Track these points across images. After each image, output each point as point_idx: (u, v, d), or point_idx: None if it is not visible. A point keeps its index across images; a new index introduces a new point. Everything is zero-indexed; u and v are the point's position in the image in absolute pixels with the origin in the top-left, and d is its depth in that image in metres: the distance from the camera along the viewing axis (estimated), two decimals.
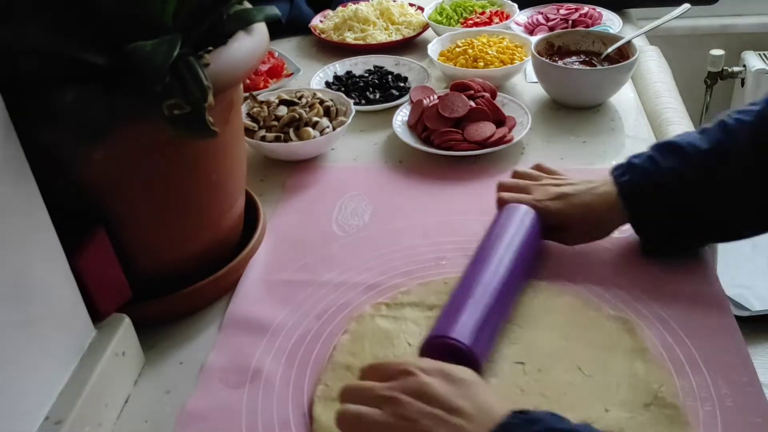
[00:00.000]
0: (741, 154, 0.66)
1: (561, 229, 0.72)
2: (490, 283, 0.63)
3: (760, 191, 0.66)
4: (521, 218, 0.71)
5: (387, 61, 1.15)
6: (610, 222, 0.71)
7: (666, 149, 0.69)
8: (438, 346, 0.58)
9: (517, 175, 0.78)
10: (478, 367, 0.57)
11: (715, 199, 0.67)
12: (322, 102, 0.95)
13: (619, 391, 0.58)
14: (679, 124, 0.96)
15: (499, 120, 0.94)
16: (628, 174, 0.70)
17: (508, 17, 1.27)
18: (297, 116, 0.92)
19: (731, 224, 0.69)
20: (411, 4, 1.35)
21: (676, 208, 0.68)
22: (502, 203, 0.74)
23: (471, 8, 1.32)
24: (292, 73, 1.14)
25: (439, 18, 1.28)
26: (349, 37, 1.24)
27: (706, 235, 0.71)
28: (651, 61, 1.16)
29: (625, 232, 0.77)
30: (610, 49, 1.03)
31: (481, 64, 1.06)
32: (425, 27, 1.28)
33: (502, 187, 0.76)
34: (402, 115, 0.98)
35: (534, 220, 0.71)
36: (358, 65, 1.15)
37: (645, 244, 0.72)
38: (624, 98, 1.04)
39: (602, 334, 0.64)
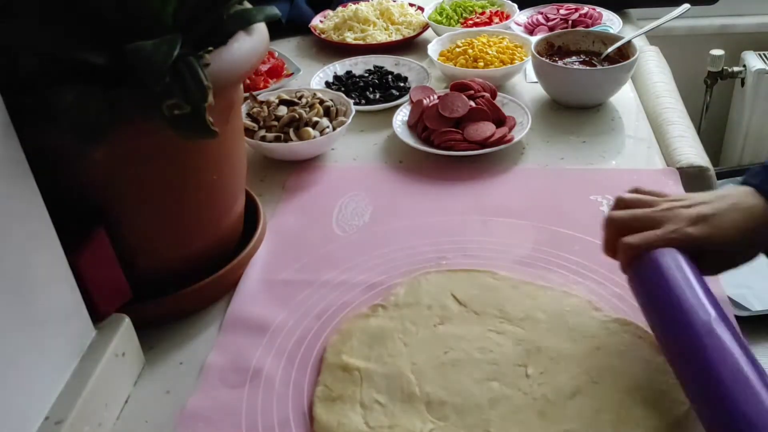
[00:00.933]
0: None
1: (702, 258, 0.60)
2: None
3: None
4: (678, 267, 0.58)
5: (387, 61, 1.15)
6: (764, 240, 0.61)
7: None
8: None
9: (622, 203, 0.65)
10: None
11: None
12: (322, 102, 0.95)
13: (632, 404, 0.57)
14: (679, 124, 0.96)
15: (499, 120, 0.94)
16: (757, 173, 0.61)
17: (508, 17, 1.27)
18: (297, 116, 0.92)
19: None
20: (411, 4, 1.35)
21: None
22: (631, 252, 0.60)
23: (471, 8, 1.32)
24: (292, 73, 1.14)
25: (439, 18, 1.29)
26: (349, 37, 1.24)
27: None
28: (651, 61, 1.16)
29: None
30: (610, 49, 1.03)
31: (481, 64, 1.06)
32: (425, 27, 1.28)
33: (615, 226, 0.63)
34: (402, 115, 0.98)
35: (688, 261, 0.59)
36: (358, 65, 1.15)
37: None
38: (624, 98, 1.04)
39: (614, 340, 0.63)
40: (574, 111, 1.02)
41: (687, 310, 0.54)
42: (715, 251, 0.60)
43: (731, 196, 0.61)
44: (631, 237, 0.60)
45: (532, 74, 1.07)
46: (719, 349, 0.50)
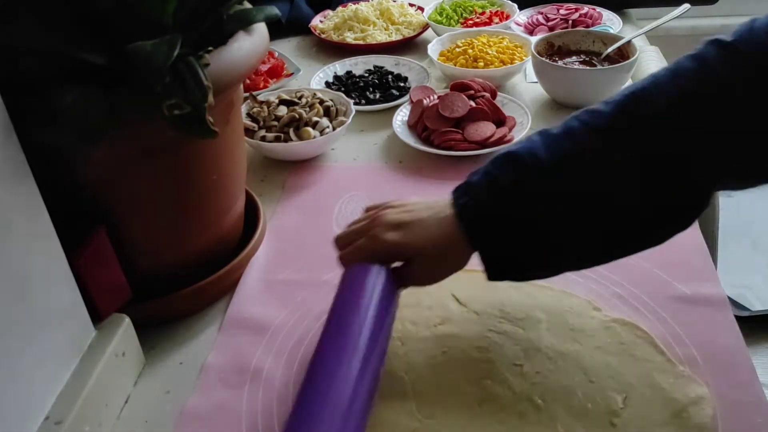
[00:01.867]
0: (590, 162, 0.55)
1: (411, 265, 0.59)
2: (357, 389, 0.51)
3: (604, 212, 0.55)
4: (356, 284, 0.58)
5: (387, 61, 1.15)
6: (458, 251, 0.58)
7: (502, 160, 0.57)
8: None
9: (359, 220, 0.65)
10: None
11: (558, 216, 0.55)
12: (322, 102, 0.95)
13: (629, 404, 0.57)
14: None
15: (499, 120, 0.94)
16: (465, 196, 0.58)
17: (508, 17, 1.27)
18: (297, 116, 0.92)
19: (573, 248, 0.57)
20: (411, 4, 1.35)
21: (516, 226, 0.56)
22: (344, 266, 0.61)
23: (471, 8, 1.32)
24: (292, 73, 1.14)
25: (439, 18, 1.29)
26: (349, 37, 1.24)
27: (550, 260, 0.58)
28: (651, 61, 1.16)
29: None
30: (610, 49, 1.03)
31: (481, 64, 1.06)
32: (425, 27, 1.28)
33: (339, 245, 0.63)
34: (402, 115, 0.98)
35: (384, 285, 0.58)
36: (358, 65, 1.15)
37: (489, 271, 0.58)
38: None
39: (613, 340, 0.63)
40: (574, 111, 1.02)
41: (334, 330, 0.54)
42: (421, 260, 0.59)
43: (438, 205, 0.60)
44: (344, 252, 0.62)
45: (532, 74, 1.07)
46: (332, 376, 0.50)
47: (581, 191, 0.55)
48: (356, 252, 0.61)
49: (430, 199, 0.62)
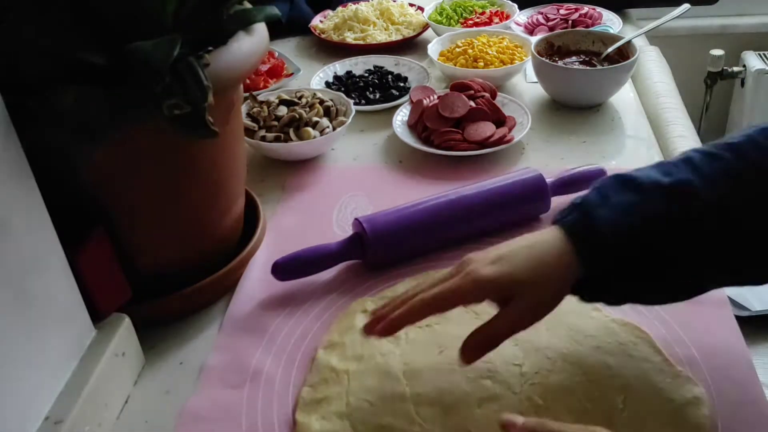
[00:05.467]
0: (714, 189, 0.54)
1: (507, 302, 0.55)
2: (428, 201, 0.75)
3: (732, 236, 0.54)
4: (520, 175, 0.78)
5: (387, 61, 1.15)
6: (562, 275, 0.55)
7: (619, 183, 0.56)
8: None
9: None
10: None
11: (681, 239, 0.54)
12: (322, 102, 0.95)
13: (628, 404, 0.57)
14: (679, 124, 0.96)
15: (499, 120, 0.94)
16: (575, 212, 0.56)
17: (508, 17, 1.27)
18: (297, 116, 0.92)
19: (700, 272, 0.56)
20: (411, 4, 1.35)
21: (631, 242, 0.54)
22: (424, 307, 0.56)
23: (471, 8, 1.32)
24: (292, 73, 1.14)
25: (439, 18, 1.28)
26: (349, 37, 1.24)
27: (668, 285, 0.57)
28: (651, 61, 1.16)
29: None
30: (610, 49, 1.03)
31: (481, 64, 1.06)
32: (425, 27, 1.27)
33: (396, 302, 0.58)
34: (402, 115, 0.98)
35: (535, 180, 0.77)
36: (358, 65, 1.15)
37: (587, 291, 0.57)
38: (624, 98, 1.04)
39: (613, 340, 0.63)
40: (574, 111, 1.02)
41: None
42: (522, 294, 0.55)
43: (532, 235, 0.58)
44: (425, 292, 0.56)
45: (532, 74, 1.07)
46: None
47: (700, 213, 0.53)
48: (445, 295, 0.55)
49: (515, 239, 0.59)
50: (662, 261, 0.54)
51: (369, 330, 0.57)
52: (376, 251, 0.72)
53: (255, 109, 0.95)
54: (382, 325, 0.56)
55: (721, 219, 0.53)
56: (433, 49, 1.13)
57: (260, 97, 0.96)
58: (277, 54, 1.18)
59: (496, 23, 1.25)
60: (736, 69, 1.87)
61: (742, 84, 1.88)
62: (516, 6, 1.29)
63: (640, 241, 0.54)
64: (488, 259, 0.56)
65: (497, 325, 0.55)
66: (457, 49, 1.11)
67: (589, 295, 0.57)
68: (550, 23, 1.24)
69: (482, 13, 1.30)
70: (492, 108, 0.94)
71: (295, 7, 1.33)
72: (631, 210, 0.54)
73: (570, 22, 1.23)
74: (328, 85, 1.10)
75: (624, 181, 0.56)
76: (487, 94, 0.96)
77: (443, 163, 0.91)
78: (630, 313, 0.66)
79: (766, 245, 0.54)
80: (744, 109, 1.88)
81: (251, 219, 0.80)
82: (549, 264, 0.55)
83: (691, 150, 0.57)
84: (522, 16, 1.28)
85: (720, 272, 0.56)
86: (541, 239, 0.56)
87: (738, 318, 0.65)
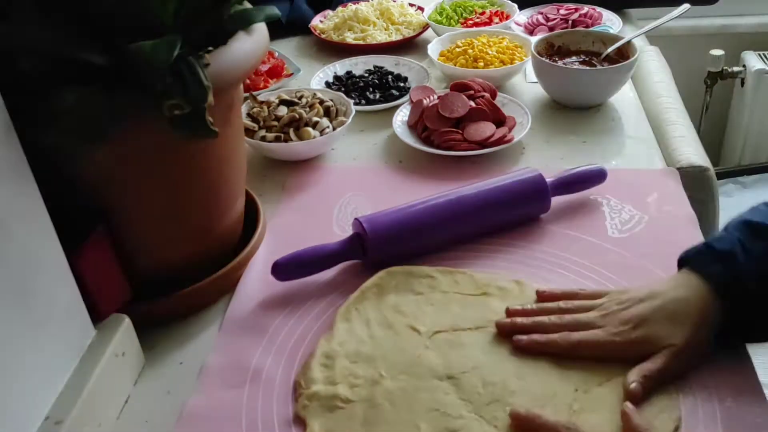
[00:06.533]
0: None
1: (643, 359, 0.58)
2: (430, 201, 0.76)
3: None
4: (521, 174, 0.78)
5: (387, 61, 1.15)
6: (708, 331, 0.58)
7: (752, 232, 0.58)
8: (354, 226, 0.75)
9: (524, 312, 0.64)
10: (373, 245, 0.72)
11: None
12: (322, 102, 0.95)
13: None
14: (679, 124, 0.96)
15: (499, 120, 0.94)
16: (718, 263, 0.58)
17: (508, 17, 1.27)
18: (297, 116, 0.92)
19: None
20: (411, 4, 1.35)
21: None
22: (570, 347, 0.60)
23: (471, 8, 1.32)
24: (292, 73, 1.14)
25: (439, 18, 1.28)
26: (349, 37, 1.24)
27: None
28: (651, 61, 1.16)
29: (625, 232, 0.77)
30: (610, 49, 1.03)
31: (481, 64, 1.06)
32: (425, 27, 1.28)
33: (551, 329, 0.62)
34: (402, 115, 0.98)
35: (535, 180, 0.77)
36: (358, 65, 1.15)
37: (733, 338, 0.59)
38: (624, 98, 1.04)
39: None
40: (574, 111, 1.02)
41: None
42: (671, 352, 0.57)
43: (663, 286, 0.60)
44: (570, 333, 0.60)
45: (532, 74, 1.07)
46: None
47: None
48: (589, 345, 0.59)
49: (646, 285, 0.62)
50: None
51: (502, 331, 0.63)
52: (376, 251, 0.72)
53: (255, 109, 0.95)
54: (524, 343, 0.61)
55: None
56: (433, 49, 1.13)
57: (260, 97, 0.96)
58: (277, 54, 1.18)
59: (496, 23, 1.25)
60: (736, 69, 1.87)
61: (742, 84, 1.88)
62: (516, 6, 1.29)
63: None
64: (626, 319, 0.59)
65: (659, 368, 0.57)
66: (457, 49, 1.11)
67: (733, 338, 0.59)
68: (550, 23, 1.24)
69: (482, 13, 1.30)
70: (492, 108, 0.94)
71: (295, 7, 1.33)
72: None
73: (570, 22, 1.23)
74: (328, 85, 1.10)
75: (755, 227, 0.58)
76: (487, 94, 0.96)
77: (443, 163, 0.91)
78: None
79: None
80: (744, 109, 1.88)
81: (251, 219, 0.80)
82: (696, 323, 0.57)
83: None
84: (522, 16, 1.28)
85: None
86: (684, 296, 0.58)
87: None
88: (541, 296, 0.66)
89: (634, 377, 0.56)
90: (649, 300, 0.60)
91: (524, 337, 0.61)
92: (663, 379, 0.57)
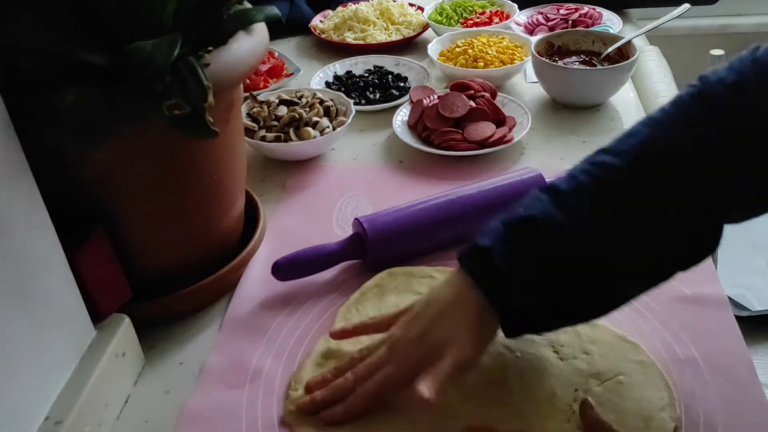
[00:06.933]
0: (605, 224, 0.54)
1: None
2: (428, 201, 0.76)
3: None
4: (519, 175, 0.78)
5: (387, 61, 1.15)
6: (490, 320, 0.56)
7: (516, 225, 0.55)
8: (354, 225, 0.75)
9: (322, 383, 0.60)
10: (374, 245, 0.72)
11: (573, 278, 0.54)
12: (322, 102, 0.95)
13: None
14: None
15: (499, 120, 0.94)
16: (478, 261, 0.56)
17: (508, 17, 1.27)
18: (297, 116, 0.92)
19: (586, 305, 0.56)
20: (411, 4, 1.35)
21: (531, 289, 0.55)
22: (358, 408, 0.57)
23: (471, 8, 1.32)
24: (292, 73, 1.14)
25: (439, 18, 1.28)
26: (349, 37, 1.24)
27: (563, 316, 0.57)
28: (651, 61, 1.16)
29: None
30: (610, 49, 1.03)
31: (481, 64, 1.06)
32: (425, 27, 1.27)
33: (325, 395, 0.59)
34: (402, 115, 0.98)
35: (535, 180, 0.77)
36: (358, 65, 1.15)
37: (506, 330, 0.57)
38: (624, 98, 1.04)
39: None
40: (574, 111, 1.02)
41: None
42: (456, 344, 0.55)
43: (439, 295, 0.58)
44: (368, 383, 0.57)
45: (532, 74, 1.07)
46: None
47: (597, 254, 0.54)
48: (387, 384, 0.56)
49: (425, 294, 0.60)
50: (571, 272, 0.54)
51: (305, 412, 0.58)
52: (376, 251, 0.72)
53: (255, 109, 0.95)
54: (327, 421, 0.57)
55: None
56: (433, 49, 1.13)
57: (260, 97, 0.96)
58: (277, 54, 1.18)
59: (496, 23, 1.25)
60: None
61: None
62: (516, 6, 1.29)
63: (540, 265, 0.54)
64: (413, 341, 0.57)
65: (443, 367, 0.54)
66: (457, 49, 1.11)
67: (514, 330, 0.57)
68: (550, 23, 1.24)
69: (482, 13, 1.30)
70: (492, 108, 0.94)
71: (295, 7, 1.33)
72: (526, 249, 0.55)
73: (570, 22, 1.23)
74: (328, 85, 1.10)
75: (523, 223, 0.55)
76: (487, 94, 0.96)
77: (443, 163, 0.91)
78: (630, 313, 0.66)
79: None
80: None
81: (251, 219, 0.80)
82: (470, 323, 0.56)
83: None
84: (522, 16, 1.28)
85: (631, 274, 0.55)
86: (453, 294, 0.57)
87: (738, 318, 0.65)
88: (335, 336, 0.63)
89: (423, 384, 0.52)
90: (426, 309, 0.58)
91: (326, 414, 0.57)
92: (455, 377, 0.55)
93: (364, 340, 0.63)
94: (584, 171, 0.55)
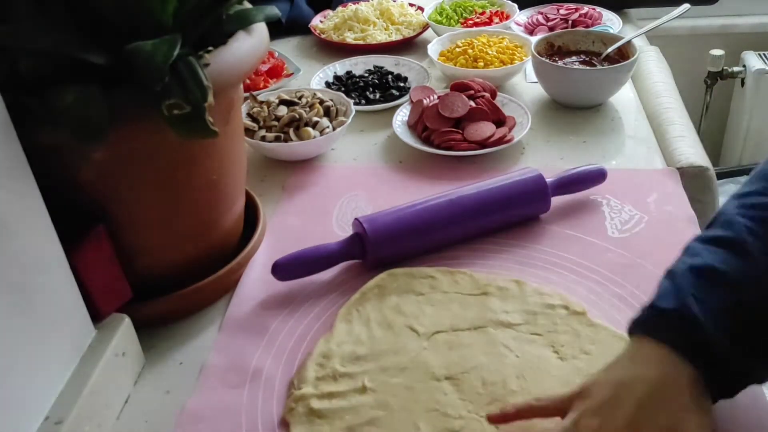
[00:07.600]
0: None
1: None
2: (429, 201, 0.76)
3: None
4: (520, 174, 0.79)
5: (387, 61, 1.15)
6: (705, 398, 0.50)
7: (706, 281, 0.51)
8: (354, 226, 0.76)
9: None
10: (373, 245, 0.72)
11: None
12: (322, 102, 0.95)
13: None
14: (679, 124, 0.96)
15: (499, 120, 0.94)
16: (676, 328, 0.50)
17: (508, 17, 1.27)
18: (297, 116, 0.92)
19: None
20: (411, 4, 1.35)
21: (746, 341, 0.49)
22: None
23: (471, 8, 1.32)
24: (292, 73, 1.14)
25: (439, 18, 1.28)
26: (349, 37, 1.24)
27: None
28: (651, 61, 1.16)
29: (624, 232, 0.77)
30: (610, 49, 1.03)
31: (481, 64, 1.06)
32: (425, 27, 1.28)
33: None
34: (402, 115, 0.98)
35: (535, 180, 0.77)
36: (358, 65, 1.15)
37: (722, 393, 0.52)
38: (624, 98, 1.04)
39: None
40: (574, 111, 1.02)
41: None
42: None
43: (635, 377, 0.50)
44: None
45: (532, 74, 1.07)
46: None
47: None
48: None
49: (601, 375, 0.52)
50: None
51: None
52: (376, 251, 0.72)
53: (255, 109, 0.95)
54: None
55: None
56: (433, 49, 1.13)
57: (260, 97, 0.96)
58: (277, 54, 1.18)
59: (496, 23, 1.25)
60: (736, 69, 1.87)
61: (742, 84, 1.88)
62: (516, 6, 1.29)
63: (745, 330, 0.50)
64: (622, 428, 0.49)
65: None
66: (457, 49, 1.11)
67: (727, 392, 0.52)
68: (550, 23, 1.24)
69: (482, 13, 1.30)
70: (492, 108, 0.94)
71: (295, 7, 1.33)
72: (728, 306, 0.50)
73: (570, 22, 1.23)
74: (328, 85, 1.10)
75: (706, 274, 0.51)
76: (487, 94, 0.96)
77: (443, 163, 0.91)
78: (630, 313, 0.66)
79: None
80: (744, 109, 1.88)
81: (251, 219, 0.80)
82: (697, 400, 0.50)
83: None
84: (522, 16, 1.28)
85: None
86: (655, 375, 0.50)
87: None
88: (493, 420, 0.56)
89: None
90: (625, 396, 0.50)
91: None
92: None
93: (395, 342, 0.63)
94: (741, 215, 0.52)
